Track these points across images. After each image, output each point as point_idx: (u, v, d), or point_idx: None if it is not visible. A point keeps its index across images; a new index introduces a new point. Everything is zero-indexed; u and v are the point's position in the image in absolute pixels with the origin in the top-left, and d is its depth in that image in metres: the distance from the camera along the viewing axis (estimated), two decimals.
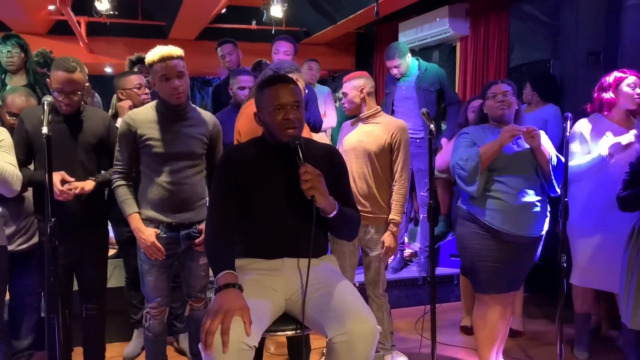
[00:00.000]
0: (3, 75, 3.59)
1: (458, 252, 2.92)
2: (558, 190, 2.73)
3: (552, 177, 2.71)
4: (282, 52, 4.01)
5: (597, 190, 3.05)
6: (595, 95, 3.15)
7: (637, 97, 3.00)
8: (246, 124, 2.58)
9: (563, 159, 2.74)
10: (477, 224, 2.72)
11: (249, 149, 2.04)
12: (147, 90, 3.18)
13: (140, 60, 4.04)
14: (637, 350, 3.10)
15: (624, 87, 3.03)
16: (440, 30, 5.70)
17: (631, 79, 3.02)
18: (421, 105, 4.14)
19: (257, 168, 1.98)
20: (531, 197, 2.68)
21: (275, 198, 1.96)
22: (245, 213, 1.97)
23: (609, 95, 3.07)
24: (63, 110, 2.51)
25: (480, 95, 2.92)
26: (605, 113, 3.12)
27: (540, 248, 2.83)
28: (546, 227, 2.78)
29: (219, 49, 4.38)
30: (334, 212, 1.90)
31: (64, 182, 2.43)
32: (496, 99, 2.76)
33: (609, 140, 2.95)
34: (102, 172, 2.65)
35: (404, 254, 4.54)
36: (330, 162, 2.05)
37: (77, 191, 2.46)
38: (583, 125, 3.13)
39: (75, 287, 2.75)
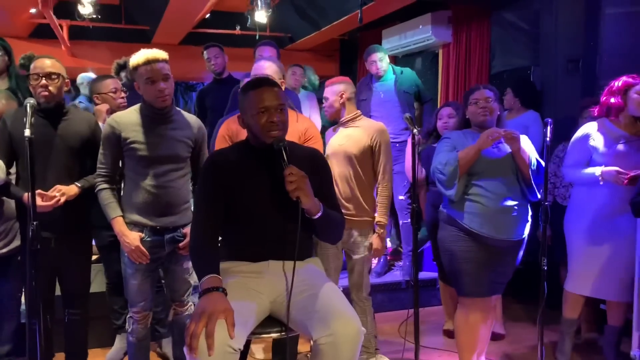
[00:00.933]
0: None
1: (440, 255, 2.94)
2: (539, 194, 2.76)
3: (532, 181, 2.74)
4: (267, 57, 4.02)
5: (596, 196, 3.03)
6: (604, 99, 3.07)
7: None
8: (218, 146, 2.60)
9: (543, 163, 2.78)
10: (457, 227, 2.75)
11: (233, 153, 2.04)
12: (122, 95, 3.17)
13: (125, 66, 4.02)
14: (616, 351, 3.16)
15: (633, 94, 2.96)
16: (423, 37, 5.76)
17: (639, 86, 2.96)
18: (403, 108, 4.19)
19: (242, 171, 1.99)
20: (510, 201, 2.71)
21: (260, 200, 1.97)
22: (230, 216, 1.97)
23: (617, 100, 3.01)
24: (42, 99, 2.46)
25: (462, 101, 2.95)
26: (612, 118, 3.10)
27: (521, 252, 2.87)
28: (527, 231, 2.81)
29: (205, 52, 4.38)
30: (319, 214, 1.92)
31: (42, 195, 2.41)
32: (478, 105, 2.79)
33: (610, 168, 2.90)
34: (87, 176, 2.61)
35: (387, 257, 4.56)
36: (314, 165, 2.06)
37: (61, 201, 2.44)
38: (592, 130, 3.07)
39: (58, 292, 2.71)
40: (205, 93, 4.46)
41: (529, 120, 4.15)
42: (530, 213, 2.83)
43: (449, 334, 3.68)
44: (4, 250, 2.71)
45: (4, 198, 2.67)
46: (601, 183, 2.95)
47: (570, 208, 3.20)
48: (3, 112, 2.68)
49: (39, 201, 2.35)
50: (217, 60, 4.32)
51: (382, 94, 4.29)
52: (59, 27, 6.62)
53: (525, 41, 4.69)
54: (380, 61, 4.24)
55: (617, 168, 2.92)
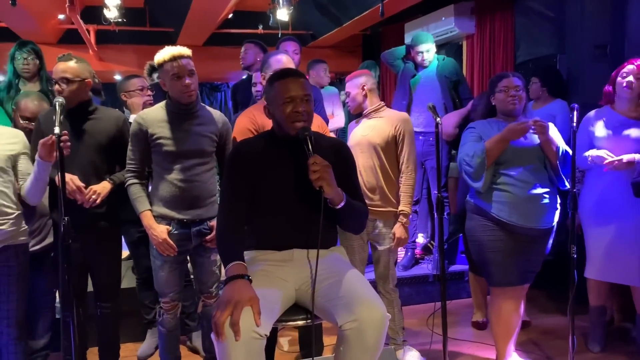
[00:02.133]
0: (17, 80, 3.65)
1: (469, 246, 2.91)
2: (567, 184, 2.72)
3: (560, 170, 2.70)
4: (291, 52, 4.04)
5: (613, 182, 3.03)
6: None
7: (626, 85, 2.98)
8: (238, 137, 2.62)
9: (571, 152, 2.74)
10: (486, 217, 2.72)
11: (258, 143, 2.06)
12: (149, 93, 3.24)
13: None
14: None
15: (618, 78, 3.02)
16: (446, 29, 5.71)
17: (628, 67, 3.00)
18: (444, 94, 4.14)
19: (267, 161, 2.01)
20: (539, 189, 2.68)
21: (284, 190, 1.99)
22: (255, 205, 2.00)
23: (608, 87, 3.10)
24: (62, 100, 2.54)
25: (488, 88, 2.90)
26: (611, 104, 3.11)
27: (551, 240, 2.83)
28: (556, 219, 2.77)
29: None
30: (342, 203, 1.92)
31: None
32: (508, 93, 2.74)
33: (599, 152, 2.98)
34: (117, 173, 2.68)
35: (415, 252, 4.53)
36: (338, 155, 2.07)
37: (97, 201, 2.53)
38: (591, 115, 3.15)
39: (90, 287, 2.78)
40: (237, 88, 4.54)
41: (555, 109, 4.08)
42: (559, 201, 2.79)
43: (478, 325, 3.65)
44: (38, 247, 2.79)
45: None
46: (589, 164, 3.03)
47: (583, 192, 3.17)
48: (37, 113, 2.76)
49: (71, 185, 2.45)
50: (245, 55, 4.38)
51: (423, 79, 4.25)
52: (86, 32, 6.77)
53: (550, 29, 4.61)
54: (428, 52, 4.20)
55: (604, 151, 2.95)
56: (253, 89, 3.65)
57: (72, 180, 2.49)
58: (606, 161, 2.94)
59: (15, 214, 2.50)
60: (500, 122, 2.80)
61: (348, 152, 2.16)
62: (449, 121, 3.84)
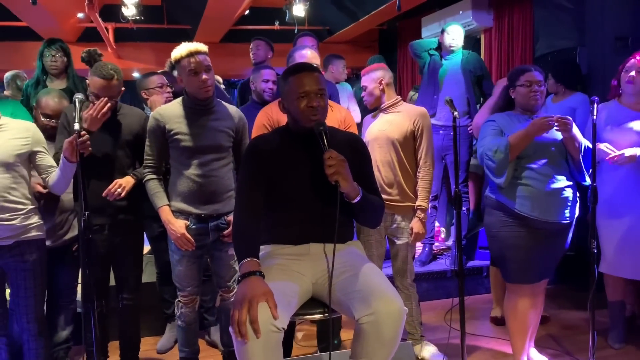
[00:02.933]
0: (45, 77, 3.72)
1: (487, 241, 2.89)
2: (588, 179, 2.69)
3: (582, 166, 2.67)
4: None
5: (626, 175, 3.01)
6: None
7: (629, 80, 2.97)
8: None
9: (591, 145, 2.71)
10: (506, 212, 2.70)
11: (273, 138, 2.07)
12: (169, 90, 3.27)
13: None
14: None
15: (622, 72, 3.03)
16: (464, 22, 5.65)
17: (631, 62, 2.99)
18: (468, 88, 4.12)
19: (282, 156, 2.01)
20: (560, 182, 2.64)
21: (300, 185, 1.99)
22: (271, 200, 2.00)
23: (614, 81, 3.09)
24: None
25: (508, 81, 2.86)
26: (617, 98, 3.11)
27: (570, 235, 2.80)
28: (576, 213, 2.74)
29: (251, 44, 4.49)
30: (358, 198, 1.92)
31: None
32: (531, 88, 2.69)
33: (600, 145, 2.96)
34: (139, 168, 2.71)
35: (433, 248, 4.52)
36: (354, 149, 2.07)
37: (122, 194, 2.57)
38: (600, 109, 3.09)
39: (112, 282, 2.82)
40: (246, 86, 4.54)
41: (576, 102, 4.03)
42: (578, 194, 2.76)
43: (497, 321, 3.63)
44: (60, 241, 2.84)
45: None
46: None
47: (602, 190, 3.13)
48: (58, 110, 2.80)
49: None
50: (257, 51, 4.40)
51: (448, 73, 4.23)
52: (104, 30, 6.85)
53: (570, 21, 4.54)
54: (459, 37, 4.19)
55: (605, 145, 2.96)
56: (254, 86, 3.65)
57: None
58: (608, 157, 2.93)
59: (26, 209, 2.51)
60: (519, 115, 2.76)
61: (363, 146, 2.15)
62: (483, 116, 3.81)
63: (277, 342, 1.68)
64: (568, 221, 2.70)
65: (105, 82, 2.52)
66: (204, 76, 2.43)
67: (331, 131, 1.98)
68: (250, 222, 1.94)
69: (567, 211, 2.67)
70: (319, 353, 2.55)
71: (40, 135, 2.59)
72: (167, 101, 3.17)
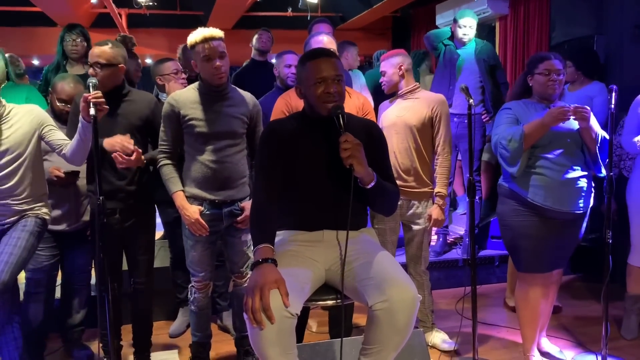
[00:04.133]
0: (65, 62, 3.74)
1: (500, 230, 2.88)
2: (604, 170, 2.65)
3: (599, 157, 2.64)
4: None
5: None
6: None
7: None
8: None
9: (607, 137, 2.67)
10: (519, 201, 2.68)
11: (290, 123, 2.06)
12: (183, 76, 3.27)
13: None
14: None
15: None
16: (479, 10, 5.59)
17: None
18: (482, 76, 4.09)
19: (298, 141, 2.00)
20: (575, 172, 2.61)
21: (315, 171, 1.98)
22: (286, 185, 2.00)
23: None
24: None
25: (527, 67, 2.81)
26: None
27: (584, 225, 2.77)
28: (591, 203, 2.71)
29: (259, 32, 4.54)
30: (372, 183, 1.91)
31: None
32: (550, 77, 2.64)
33: None
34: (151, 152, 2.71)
35: (447, 239, 4.50)
36: (370, 135, 2.06)
37: (132, 159, 2.48)
38: (638, 100, 3.04)
39: (125, 266, 2.84)
40: (244, 75, 4.54)
41: (593, 91, 3.97)
42: (593, 184, 2.72)
43: (513, 309, 3.62)
44: (75, 225, 2.86)
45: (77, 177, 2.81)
46: (638, 149, 2.93)
47: (632, 178, 3.08)
48: (73, 95, 2.81)
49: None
50: (269, 41, 4.50)
51: (462, 60, 4.20)
52: (118, 16, 6.85)
53: (587, 9, 4.47)
54: (470, 28, 4.15)
55: None
56: (277, 71, 3.64)
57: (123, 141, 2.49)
58: None
59: (28, 198, 2.50)
60: (535, 103, 2.72)
61: (380, 132, 2.14)
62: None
63: (291, 328, 1.68)
64: (582, 211, 2.68)
65: (94, 48, 2.51)
66: (218, 62, 2.42)
67: (348, 117, 1.97)
68: (269, 206, 1.93)
69: (581, 201, 2.64)
70: (332, 339, 2.56)
71: (44, 114, 2.56)
72: (182, 87, 3.17)
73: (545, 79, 2.65)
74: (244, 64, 4.86)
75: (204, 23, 7.52)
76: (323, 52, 1.99)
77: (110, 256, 2.50)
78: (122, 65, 2.59)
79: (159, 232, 3.68)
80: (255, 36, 4.56)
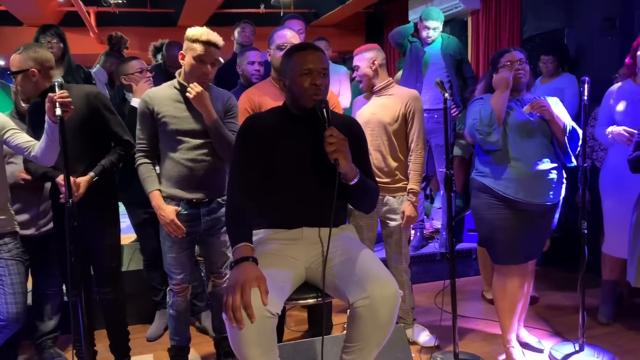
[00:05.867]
0: None
1: (474, 224, 2.89)
2: (574, 160, 2.69)
3: (568, 147, 2.67)
4: (296, 32, 3.99)
5: (624, 156, 2.98)
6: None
7: None
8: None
9: (579, 130, 2.71)
10: (492, 194, 2.69)
11: (270, 117, 2.02)
12: (148, 75, 3.20)
13: (162, 48, 4.10)
14: None
15: (638, 51, 2.96)
16: (451, 5, 5.63)
17: None
18: (449, 71, 4.11)
19: (279, 135, 1.96)
20: (545, 164, 2.65)
21: (297, 166, 1.95)
22: (265, 182, 1.96)
23: (629, 59, 3.04)
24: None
25: (490, 65, 2.86)
26: (633, 77, 3.05)
27: (557, 216, 2.80)
28: (562, 194, 2.75)
29: (241, 26, 4.48)
30: (356, 180, 1.89)
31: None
32: (512, 67, 2.70)
33: (618, 128, 2.92)
34: (102, 160, 2.57)
35: (424, 232, 4.52)
36: (351, 132, 2.02)
37: (78, 193, 2.42)
38: (613, 89, 3.10)
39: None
40: (226, 70, 4.49)
41: (564, 83, 4.03)
42: (564, 175, 2.76)
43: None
44: (44, 229, 2.79)
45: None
46: (611, 142, 2.99)
47: (603, 169, 3.14)
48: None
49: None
50: (244, 34, 4.43)
51: (429, 56, 4.21)
52: (86, 14, 6.70)
53: (558, 2, 4.52)
54: (434, 30, 4.16)
55: (624, 127, 2.90)
56: (240, 68, 3.61)
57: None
58: (628, 141, 2.89)
59: None
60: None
61: (360, 129, 2.12)
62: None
63: (272, 328, 1.65)
64: (554, 202, 2.71)
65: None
66: (209, 68, 2.39)
67: (331, 112, 1.94)
68: (245, 204, 1.89)
69: (552, 193, 2.67)
70: (311, 338, 2.54)
71: (2, 118, 2.45)
72: (147, 87, 3.09)
73: (510, 69, 2.70)
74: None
75: (175, 21, 7.41)
76: (310, 45, 1.97)
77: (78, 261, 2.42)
78: (32, 69, 2.44)
79: (133, 236, 3.61)
80: (237, 29, 4.48)
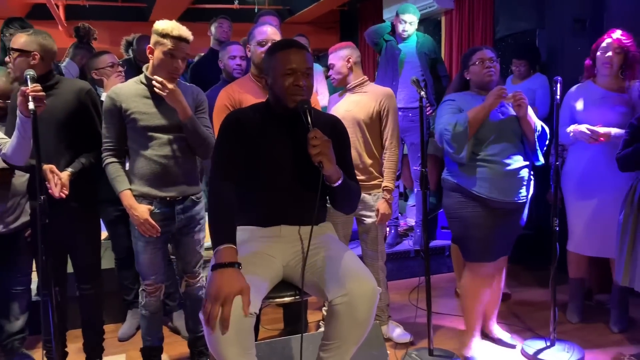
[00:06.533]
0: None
1: (447, 222, 2.92)
2: (541, 159, 2.74)
3: (537, 145, 2.71)
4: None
5: (595, 156, 3.06)
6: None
7: (606, 61, 2.99)
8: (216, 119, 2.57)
9: (547, 128, 2.76)
10: (464, 194, 2.71)
11: (253, 114, 1.98)
12: (120, 69, 3.14)
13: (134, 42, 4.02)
14: (622, 310, 3.18)
15: (598, 52, 3.03)
16: (425, 4, 5.67)
17: (606, 41, 2.99)
18: (423, 69, 4.13)
19: (262, 133, 1.93)
20: (517, 163, 2.68)
21: (278, 165, 1.92)
22: (246, 179, 1.93)
23: (588, 60, 3.12)
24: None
25: (461, 63, 2.88)
26: (592, 78, 3.13)
27: (526, 212, 2.85)
28: (531, 192, 2.79)
29: (218, 21, 4.42)
30: (339, 181, 1.86)
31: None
32: (483, 65, 2.72)
33: (580, 126, 2.99)
34: (80, 158, 2.53)
35: (399, 230, 4.55)
36: (335, 131, 2.00)
37: (62, 191, 2.40)
38: (573, 90, 3.16)
39: (70, 269, 2.70)
40: (198, 65, 4.43)
41: (536, 83, 4.10)
42: (532, 173, 2.81)
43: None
44: (13, 226, 2.70)
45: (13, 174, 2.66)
46: (572, 139, 3.05)
47: (566, 167, 3.20)
48: (7, 90, 2.66)
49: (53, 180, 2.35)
50: (221, 29, 4.37)
51: (404, 54, 4.22)
52: (55, 7, 6.54)
53: (530, 3, 4.59)
54: (410, 24, 4.17)
55: (586, 126, 2.97)
56: (222, 63, 3.58)
57: (52, 170, 2.37)
58: (589, 136, 2.95)
59: None
60: (476, 95, 2.77)
61: (343, 128, 2.09)
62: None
63: (250, 327, 1.64)
64: (524, 200, 2.76)
65: (15, 35, 2.40)
66: (179, 63, 2.34)
67: (314, 112, 1.91)
68: (229, 201, 1.82)
69: (523, 190, 2.72)
70: (288, 336, 2.52)
71: None
72: (118, 82, 3.03)
73: (480, 67, 2.73)
74: (201, 55, 4.73)
75: (147, 15, 7.29)
76: (294, 43, 1.92)
77: (53, 259, 2.37)
78: (35, 53, 2.42)
79: (104, 233, 3.53)
80: (215, 24, 4.42)
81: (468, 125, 2.60)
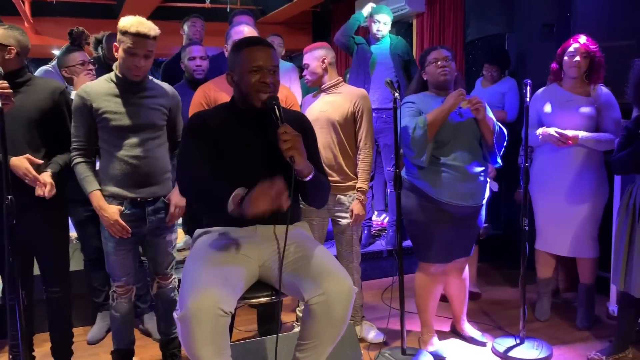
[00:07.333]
0: None
1: (404, 222, 2.89)
2: (499, 161, 2.78)
3: (496, 147, 2.75)
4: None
5: (561, 157, 3.12)
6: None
7: (574, 65, 3.06)
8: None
9: (505, 129, 2.81)
10: (422, 195, 2.73)
11: (217, 114, 1.97)
12: (90, 67, 3.09)
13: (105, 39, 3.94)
14: (588, 308, 3.26)
15: (565, 56, 3.11)
16: (397, 7, 5.71)
17: (574, 46, 3.07)
18: (397, 71, 4.16)
19: (229, 133, 1.93)
20: (476, 168, 2.72)
21: (247, 164, 1.92)
22: (217, 180, 1.91)
23: (555, 64, 3.19)
24: None
25: (419, 64, 2.92)
26: (559, 81, 3.21)
27: (484, 213, 2.90)
28: (487, 194, 2.84)
29: (191, 20, 4.37)
30: (310, 176, 1.87)
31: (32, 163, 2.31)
32: (438, 64, 2.74)
33: (549, 129, 3.05)
34: (56, 157, 2.48)
35: (372, 230, 4.57)
36: (301, 128, 2.01)
37: (48, 191, 2.34)
38: (539, 93, 3.24)
39: (37, 271, 2.64)
40: (169, 65, 4.37)
41: (505, 87, 4.17)
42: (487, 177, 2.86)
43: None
44: None
45: None
46: (541, 142, 3.12)
47: (533, 167, 3.27)
48: None
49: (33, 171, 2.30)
50: (194, 29, 4.32)
51: (377, 56, 4.24)
52: (20, 2, 6.38)
53: (499, 7, 4.68)
54: (384, 25, 4.19)
55: (555, 129, 3.04)
56: (183, 65, 3.56)
57: (28, 169, 2.31)
58: (557, 139, 3.02)
59: None
60: (434, 96, 2.80)
61: (310, 125, 2.11)
62: None
63: (225, 326, 1.63)
64: (482, 203, 2.81)
65: None
66: (142, 62, 2.29)
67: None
68: (200, 177, 1.84)
69: (481, 194, 2.77)
70: (262, 337, 2.52)
71: None
72: (88, 80, 2.97)
73: (435, 66, 2.75)
74: (173, 55, 4.66)
75: (116, 12, 7.15)
76: (260, 41, 1.92)
77: (19, 262, 2.30)
78: (11, 47, 2.36)
79: (73, 234, 3.46)
80: (187, 23, 4.36)
81: (427, 129, 2.62)
